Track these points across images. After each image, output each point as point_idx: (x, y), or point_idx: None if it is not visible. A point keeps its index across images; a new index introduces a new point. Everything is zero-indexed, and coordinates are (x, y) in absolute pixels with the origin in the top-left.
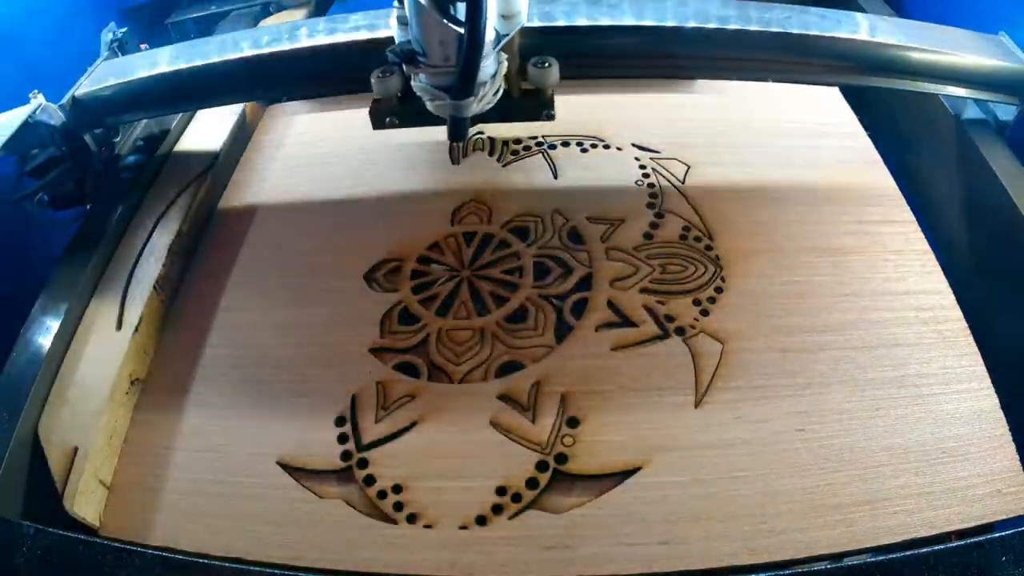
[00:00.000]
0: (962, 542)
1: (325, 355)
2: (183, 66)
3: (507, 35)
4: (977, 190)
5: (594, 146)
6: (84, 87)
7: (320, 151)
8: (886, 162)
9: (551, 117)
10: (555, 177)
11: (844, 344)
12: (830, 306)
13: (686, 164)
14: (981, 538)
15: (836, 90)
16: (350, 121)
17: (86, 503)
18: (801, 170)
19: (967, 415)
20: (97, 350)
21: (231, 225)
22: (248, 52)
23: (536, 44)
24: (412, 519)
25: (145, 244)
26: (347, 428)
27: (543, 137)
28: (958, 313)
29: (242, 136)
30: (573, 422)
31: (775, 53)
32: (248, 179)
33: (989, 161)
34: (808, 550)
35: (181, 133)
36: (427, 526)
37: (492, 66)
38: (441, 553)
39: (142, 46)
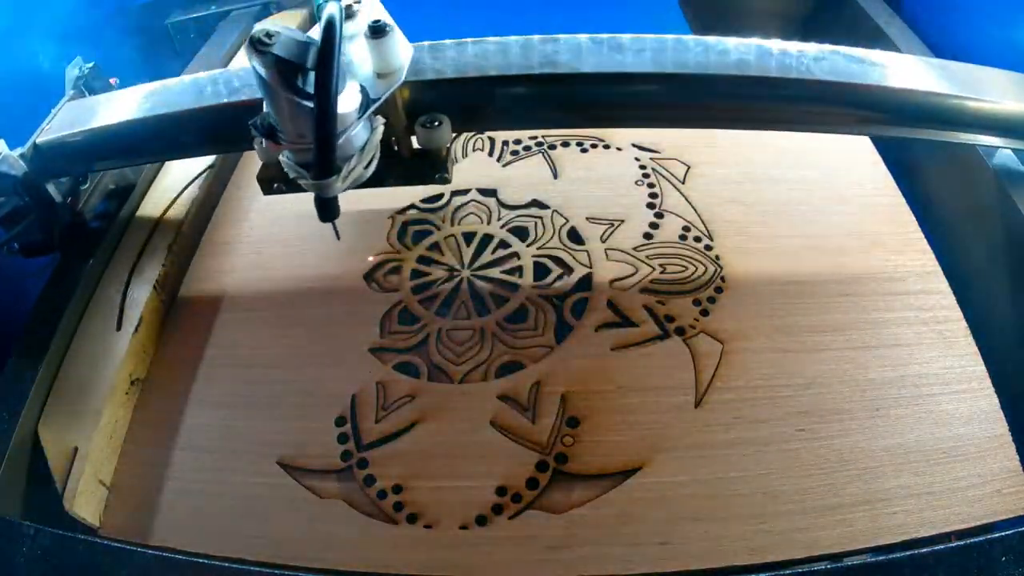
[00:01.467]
0: (962, 542)
1: (325, 355)
2: (161, 111)
3: (380, 98)
4: (975, 189)
5: (594, 146)
6: (46, 133)
7: None
8: (886, 162)
9: (446, 180)
10: (555, 177)
11: (844, 344)
12: (830, 306)
13: (686, 164)
14: (981, 538)
15: None
16: None
17: (86, 503)
18: (801, 170)
19: (967, 415)
20: (97, 350)
21: (231, 225)
22: (230, 99)
23: (427, 100)
24: (412, 519)
25: (145, 244)
26: (347, 428)
27: (543, 137)
28: (958, 313)
29: None
30: (573, 422)
31: (802, 104)
32: (248, 179)
33: (987, 160)
34: (808, 550)
35: (156, 174)
36: (427, 526)
37: (362, 135)
38: (441, 553)
39: (112, 81)
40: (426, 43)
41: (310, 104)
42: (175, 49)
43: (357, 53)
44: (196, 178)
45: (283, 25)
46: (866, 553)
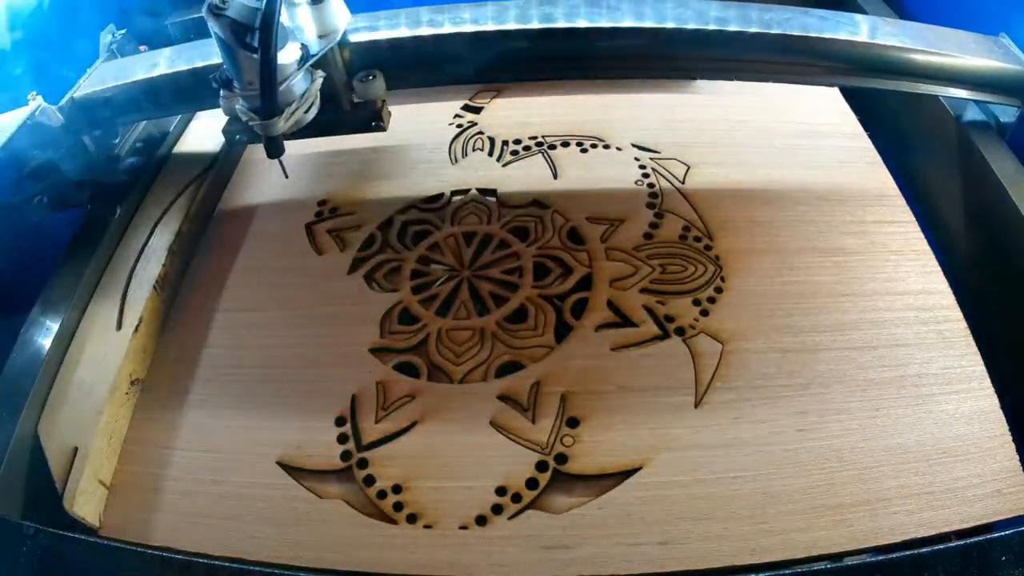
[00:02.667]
0: (962, 542)
1: (325, 355)
2: (183, 68)
3: (317, 53)
4: (977, 191)
5: (594, 146)
6: (83, 89)
7: (320, 151)
8: (886, 162)
9: (381, 128)
10: (555, 177)
11: (844, 344)
12: (830, 306)
13: (686, 164)
14: (981, 538)
15: (836, 90)
16: None
17: (86, 503)
18: (801, 170)
19: (967, 415)
20: (97, 350)
21: (231, 225)
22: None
23: (364, 59)
24: (412, 519)
25: (145, 244)
26: (347, 428)
27: (543, 137)
28: (958, 313)
29: None
30: (573, 422)
31: (773, 54)
32: (248, 179)
33: (990, 162)
34: (808, 550)
35: (181, 134)
36: (427, 526)
37: (302, 84)
38: (441, 553)
39: (141, 48)
40: (380, 13)
41: (256, 56)
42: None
43: (302, 18)
44: (196, 178)
45: None
46: (866, 553)
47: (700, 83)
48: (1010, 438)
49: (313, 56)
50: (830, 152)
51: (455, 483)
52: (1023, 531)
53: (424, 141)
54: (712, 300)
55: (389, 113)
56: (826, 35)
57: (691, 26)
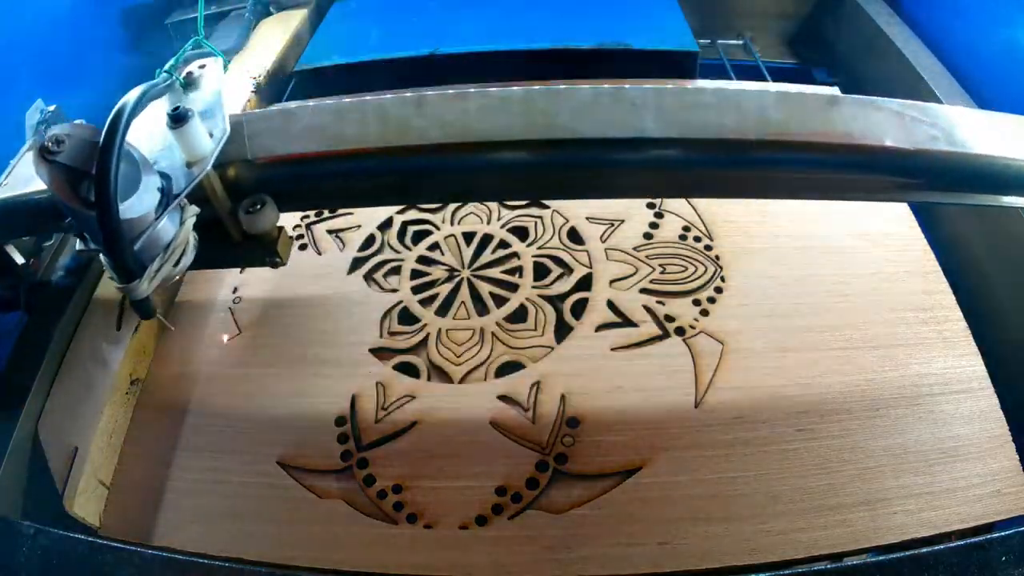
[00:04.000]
0: (962, 542)
1: (325, 355)
2: None
3: (182, 192)
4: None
5: None
6: (2, 190)
7: None
8: None
9: (277, 264)
10: None
11: (844, 344)
12: (830, 306)
13: None
14: (981, 538)
15: (836, 90)
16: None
17: (86, 503)
18: None
19: (967, 415)
20: (97, 350)
21: None
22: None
23: (250, 181)
24: (412, 519)
25: None
26: (347, 428)
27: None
28: (958, 313)
29: None
30: (573, 422)
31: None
32: None
33: None
34: (808, 550)
35: None
36: (427, 526)
37: (168, 231)
38: (441, 553)
39: (78, 123)
40: (257, 111)
41: (91, 213)
42: (175, 49)
43: (160, 142)
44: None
45: (83, 125)
46: (866, 553)
47: (700, 82)
48: (1010, 438)
49: (177, 196)
50: None
51: (455, 483)
52: (1023, 531)
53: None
54: (712, 300)
55: (290, 241)
56: (909, 147)
57: (729, 135)
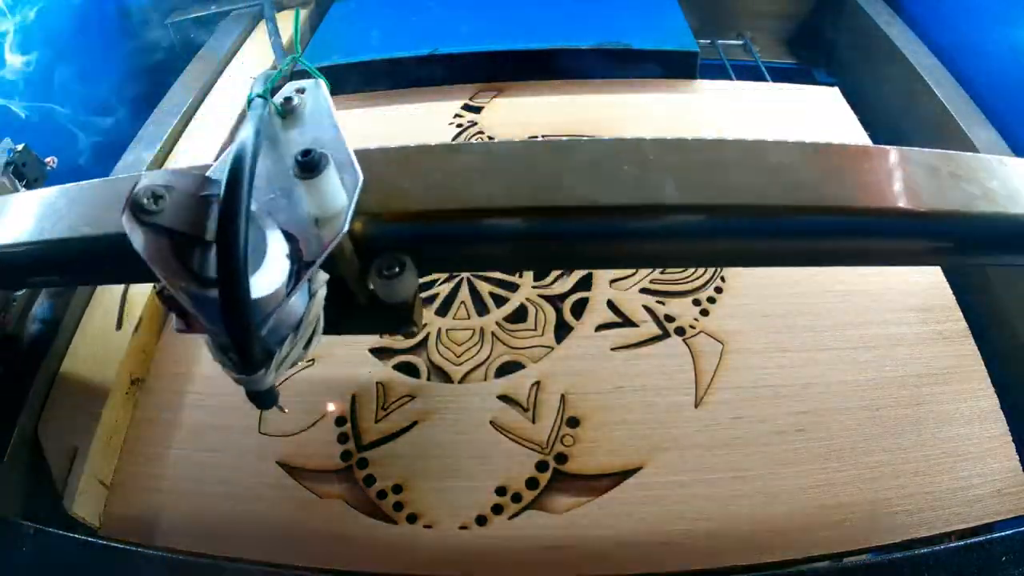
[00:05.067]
0: (962, 542)
1: (325, 355)
2: (86, 231)
3: (316, 260)
4: None
5: None
6: None
7: None
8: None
9: (412, 333)
10: None
11: (844, 344)
12: (830, 306)
13: None
14: (981, 538)
15: (836, 90)
16: (350, 121)
17: (86, 503)
18: None
19: (967, 415)
20: (97, 350)
21: None
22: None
23: (384, 236)
24: (412, 519)
25: None
26: (347, 428)
27: (543, 137)
28: (958, 313)
29: None
30: (573, 422)
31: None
32: None
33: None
34: (808, 550)
35: (180, 134)
36: (427, 526)
37: (297, 308)
38: (441, 553)
39: (49, 162)
40: (392, 146)
41: (214, 294)
42: (175, 49)
43: (275, 189)
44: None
45: (184, 172)
46: (866, 553)
47: (700, 83)
48: (1010, 438)
49: (311, 265)
50: None
51: (455, 483)
52: (1023, 531)
53: (424, 140)
54: (712, 300)
55: (422, 306)
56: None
57: (770, 200)
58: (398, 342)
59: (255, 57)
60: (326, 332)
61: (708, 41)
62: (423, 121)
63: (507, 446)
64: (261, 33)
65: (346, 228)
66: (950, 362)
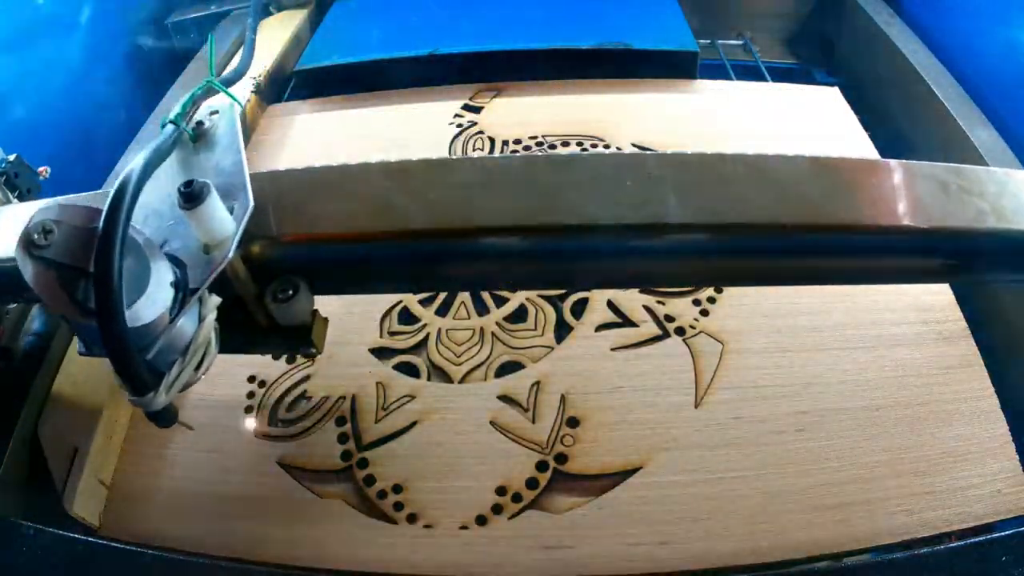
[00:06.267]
0: (962, 542)
1: (325, 355)
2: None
3: (201, 286)
4: None
5: (594, 146)
6: None
7: (320, 151)
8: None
9: (312, 354)
10: None
11: (844, 344)
12: (830, 306)
13: None
14: (981, 538)
15: (836, 90)
16: (349, 121)
17: (86, 503)
18: None
19: (967, 415)
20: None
21: None
22: None
23: (277, 260)
24: (412, 519)
25: None
26: (347, 428)
27: (543, 137)
28: (958, 313)
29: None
30: (573, 422)
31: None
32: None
33: (988, 162)
34: (808, 550)
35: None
36: (427, 526)
37: (186, 331)
38: (441, 553)
39: (42, 171)
40: (283, 170)
41: (89, 322)
42: (175, 49)
43: (170, 214)
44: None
45: (76, 206)
46: (866, 553)
47: (700, 83)
48: (1010, 438)
49: (195, 291)
50: (830, 152)
51: (455, 483)
52: (1023, 531)
53: (424, 141)
54: (712, 300)
55: (325, 325)
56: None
57: (777, 219)
58: (398, 342)
59: (255, 57)
60: (231, 351)
61: (708, 41)
62: (423, 121)
63: (507, 446)
64: (260, 33)
65: (230, 255)
66: (950, 362)
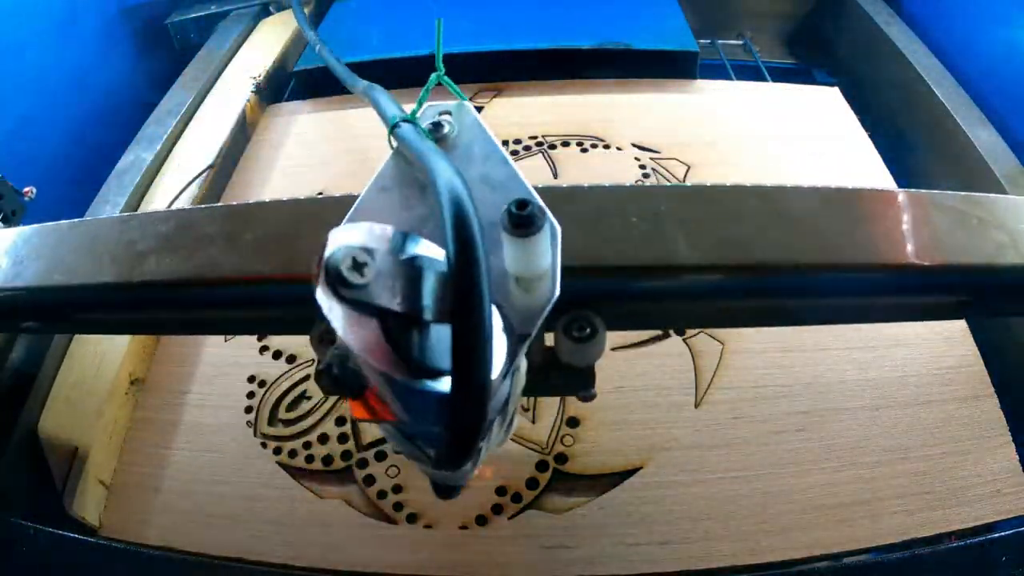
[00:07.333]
0: (962, 542)
1: None
2: (45, 282)
3: (531, 333)
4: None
5: (594, 146)
6: None
7: (320, 151)
8: (886, 162)
9: (590, 397)
10: (555, 177)
11: (844, 344)
12: None
13: (686, 164)
14: (981, 538)
15: (836, 91)
16: (350, 121)
17: (86, 503)
18: (802, 170)
19: (967, 415)
20: (97, 350)
21: None
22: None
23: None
24: (412, 519)
25: None
26: (347, 428)
27: (543, 137)
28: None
29: (242, 136)
30: (573, 422)
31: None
32: (248, 179)
33: (988, 162)
34: (808, 550)
35: (179, 135)
36: (427, 526)
37: (503, 390)
38: (441, 553)
39: (27, 192)
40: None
41: (435, 389)
42: (175, 49)
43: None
44: (196, 177)
45: (373, 229)
46: (866, 553)
47: (700, 83)
48: (1010, 438)
49: (526, 339)
50: (830, 152)
51: None
52: (1023, 531)
53: None
54: None
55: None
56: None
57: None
58: None
59: (255, 57)
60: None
61: (708, 41)
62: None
63: (507, 446)
64: (261, 33)
65: (556, 293)
66: (950, 362)
